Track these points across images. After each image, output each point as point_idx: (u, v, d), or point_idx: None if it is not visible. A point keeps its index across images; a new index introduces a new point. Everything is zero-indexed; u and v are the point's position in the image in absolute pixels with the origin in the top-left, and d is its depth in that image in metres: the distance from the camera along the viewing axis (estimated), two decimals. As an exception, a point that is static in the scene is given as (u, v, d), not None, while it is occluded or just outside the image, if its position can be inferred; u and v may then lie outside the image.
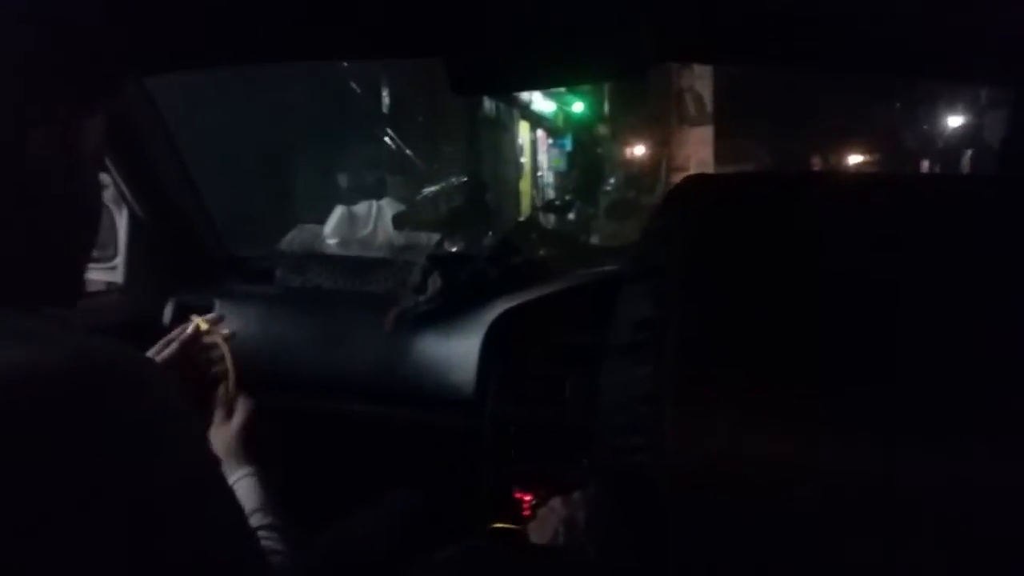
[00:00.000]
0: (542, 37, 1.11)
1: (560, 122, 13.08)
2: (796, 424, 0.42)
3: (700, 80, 7.71)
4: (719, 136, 8.24)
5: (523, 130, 12.07)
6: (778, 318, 0.44)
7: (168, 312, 1.65)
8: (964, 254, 0.43)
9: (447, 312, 1.54)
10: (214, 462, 0.75)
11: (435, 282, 1.56)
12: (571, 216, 11.30)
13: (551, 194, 12.39)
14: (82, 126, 0.76)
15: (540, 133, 12.98)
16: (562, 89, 11.30)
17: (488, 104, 8.86)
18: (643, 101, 11.12)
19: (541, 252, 1.83)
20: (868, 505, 0.40)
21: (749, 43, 1.21)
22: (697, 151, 8.01)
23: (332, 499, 1.51)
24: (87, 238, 0.82)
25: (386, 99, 4.93)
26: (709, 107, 7.97)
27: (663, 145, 9.28)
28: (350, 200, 1.73)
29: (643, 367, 0.47)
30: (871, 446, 0.41)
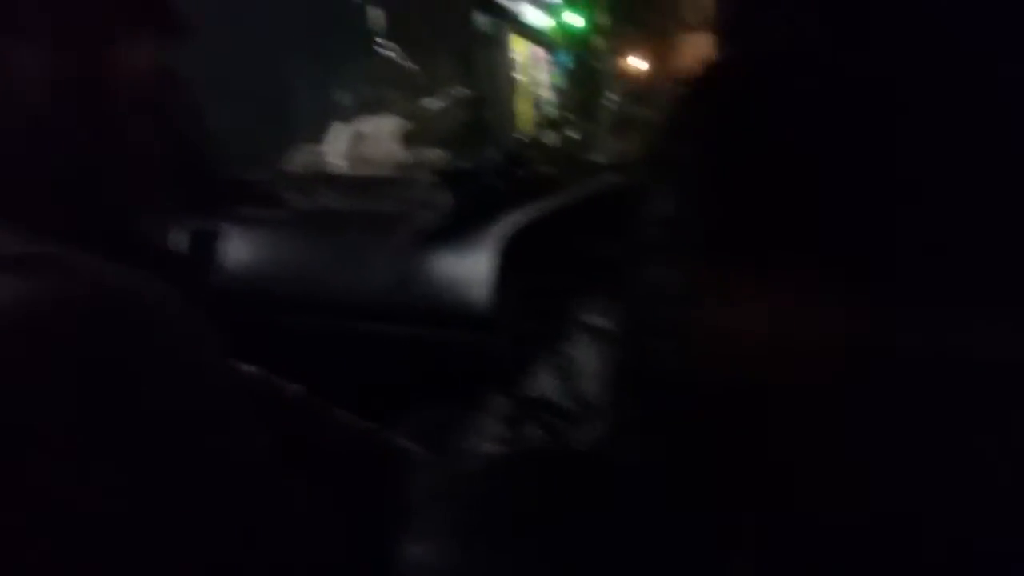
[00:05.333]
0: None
1: (557, 37, 12.77)
2: (823, 309, 0.41)
3: (701, -15, 7.50)
4: (720, 42, 8.07)
5: (518, 46, 11.79)
6: (802, 208, 0.42)
7: (177, 239, 1.63)
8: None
9: (459, 228, 1.52)
10: (239, 385, 0.75)
11: (445, 199, 1.53)
12: (572, 134, 11.16)
13: (550, 111, 12.19)
14: (114, 54, 0.73)
15: (537, 49, 12.69)
16: (558, 1, 11.01)
17: (480, 19, 8.62)
18: (641, 10, 10.84)
19: (544, 169, 1.80)
20: (894, 380, 0.39)
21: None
22: (700, 59, 7.83)
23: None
24: (131, 175, 0.79)
25: (378, 12, 4.79)
26: (710, 11, 7.77)
27: (665, 56, 9.08)
28: (350, 117, 1.69)
29: (669, 268, 0.45)
30: (898, 324, 0.39)
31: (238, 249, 1.62)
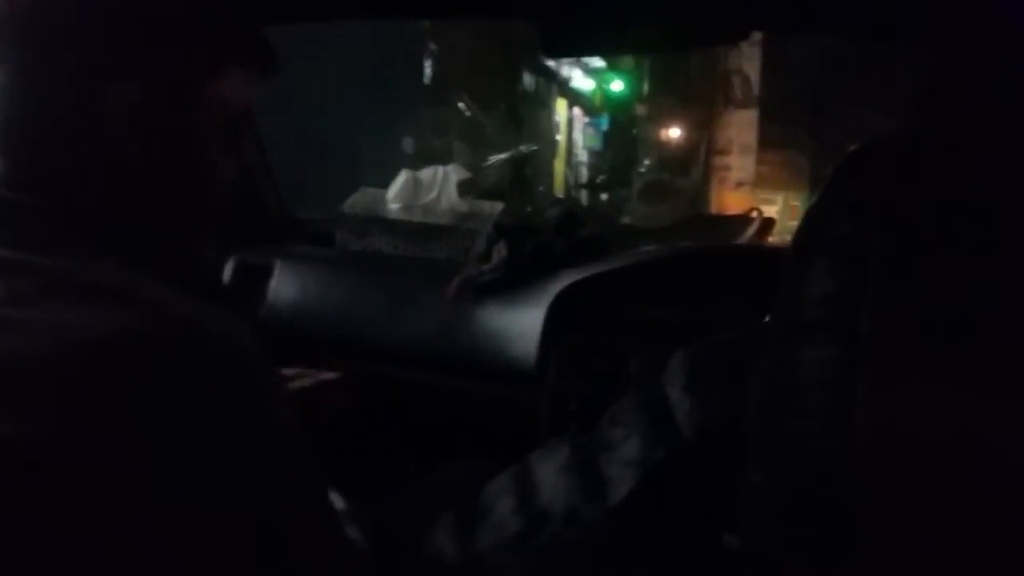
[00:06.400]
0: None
1: (597, 100, 12.97)
2: (1008, 402, 0.39)
3: (748, 62, 7.58)
4: (763, 120, 8.12)
5: (560, 107, 11.96)
6: (988, 289, 0.40)
7: (229, 270, 1.64)
8: None
9: (511, 282, 1.51)
10: (297, 426, 0.73)
11: (500, 251, 1.53)
12: (604, 196, 11.23)
13: (584, 173, 12.31)
14: (202, 89, 0.73)
15: (577, 111, 12.88)
16: (602, 66, 11.19)
17: (528, 78, 8.78)
18: (683, 82, 10.99)
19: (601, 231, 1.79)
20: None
21: (854, 12, 1.16)
22: (740, 134, 7.90)
23: (388, 464, 1.50)
24: (200, 213, 0.79)
25: (428, 68, 4.89)
26: (756, 90, 7.84)
27: (703, 127, 9.18)
28: (416, 165, 1.71)
29: (828, 348, 0.43)
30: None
31: (287, 286, 1.62)
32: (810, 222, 0.48)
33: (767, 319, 0.57)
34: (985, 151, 0.44)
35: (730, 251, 1.80)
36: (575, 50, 1.30)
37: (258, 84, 0.80)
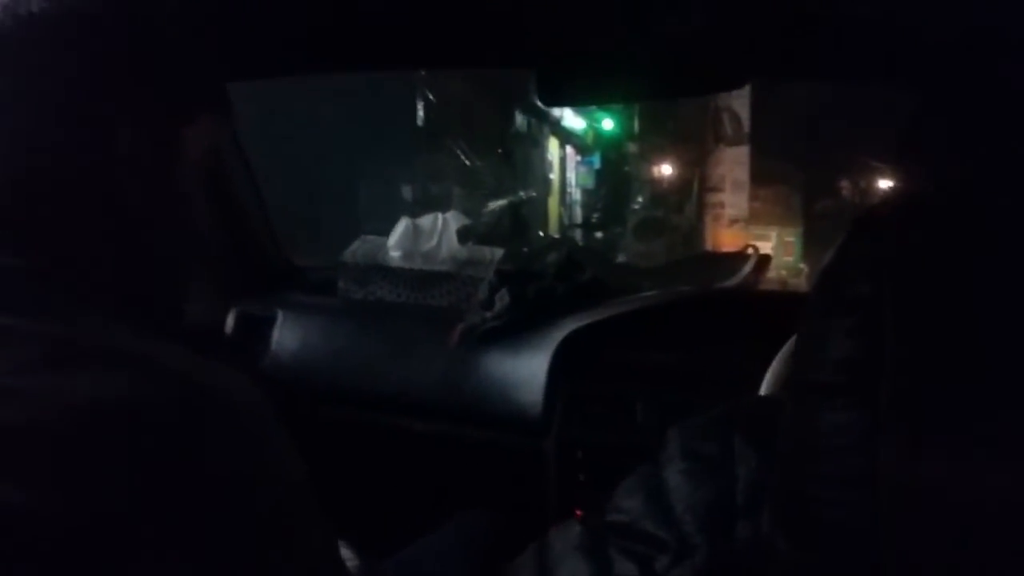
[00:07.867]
0: (634, 49, 1.08)
1: (589, 139, 13.07)
2: None
3: (737, 99, 7.67)
4: (755, 156, 8.19)
5: (552, 146, 12.05)
6: (1012, 349, 0.40)
7: (230, 321, 1.63)
8: None
9: (514, 329, 1.50)
10: (311, 493, 0.72)
11: (503, 298, 1.52)
12: (599, 234, 11.26)
13: (578, 211, 12.36)
14: (177, 135, 0.73)
15: (569, 150, 12.98)
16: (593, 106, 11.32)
17: (520, 119, 8.85)
18: (674, 120, 11.10)
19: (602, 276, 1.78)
20: None
21: (847, 58, 1.17)
22: (732, 171, 7.97)
23: (393, 516, 1.47)
24: (182, 255, 0.79)
25: (420, 111, 4.95)
26: (746, 127, 7.92)
27: (695, 165, 9.27)
28: (415, 212, 1.71)
29: (849, 412, 0.42)
30: None
31: (290, 336, 1.61)
32: (825, 283, 0.47)
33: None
34: (993, 203, 0.44)
35: (733, 295, 1.79)
36: (571, 99, 1.31)
37: (221, 133, 0.81)
